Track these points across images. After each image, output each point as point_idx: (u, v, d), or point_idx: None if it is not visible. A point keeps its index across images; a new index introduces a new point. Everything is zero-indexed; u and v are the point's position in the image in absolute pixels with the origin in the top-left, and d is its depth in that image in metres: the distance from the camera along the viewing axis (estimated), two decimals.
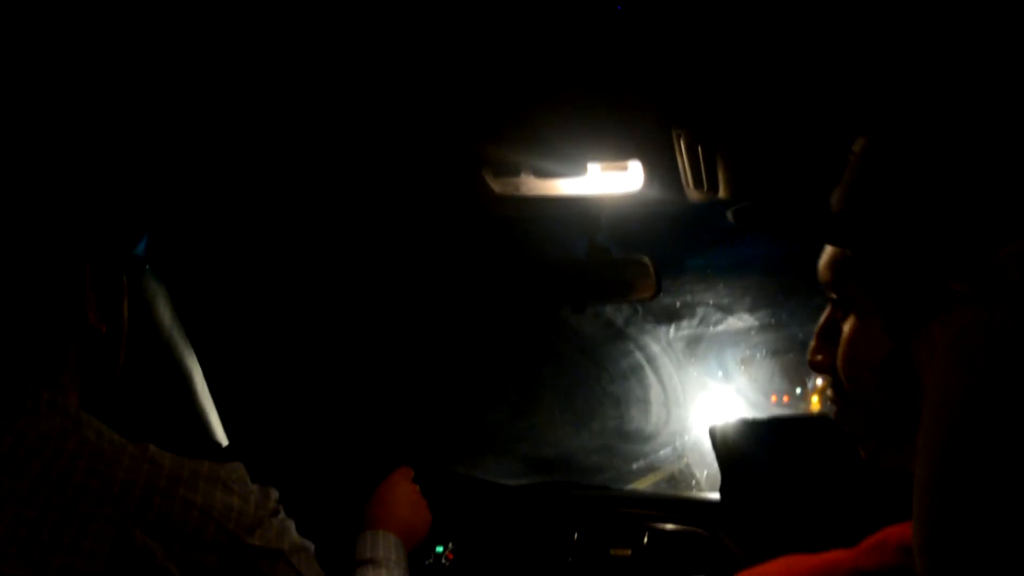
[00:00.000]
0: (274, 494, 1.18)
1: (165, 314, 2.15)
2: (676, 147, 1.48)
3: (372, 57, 1.30)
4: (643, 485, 6.16)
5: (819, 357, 0.90)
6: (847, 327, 0.85)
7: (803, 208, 0.87)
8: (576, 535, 2.13)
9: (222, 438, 2.32)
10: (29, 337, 1.13)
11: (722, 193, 1.64)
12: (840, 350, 0.86)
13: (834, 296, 0.88)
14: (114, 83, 1.36)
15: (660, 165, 1.56)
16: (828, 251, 0.88)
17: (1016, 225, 0.70)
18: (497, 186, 1.68)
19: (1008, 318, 0.50)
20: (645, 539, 2.07)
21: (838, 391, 0.88)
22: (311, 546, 1.21)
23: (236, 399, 2.37)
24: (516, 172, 1.62)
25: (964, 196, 0.74)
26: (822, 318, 0.90)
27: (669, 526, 2.09)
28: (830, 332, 0.88)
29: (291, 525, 1.19)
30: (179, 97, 1.42)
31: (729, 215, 0.88)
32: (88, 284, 1.17)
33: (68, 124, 1.45)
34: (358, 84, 1.39)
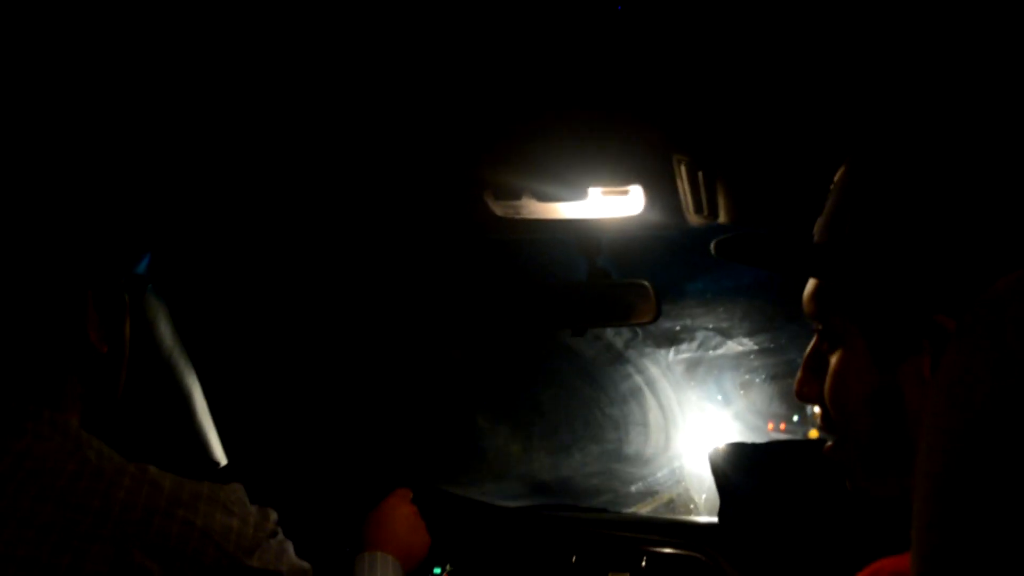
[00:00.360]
0: (273, 515, 1.19)
1: (166, 333, 2.15)
2: (677, 172, 1.49)
3: (375, 79, 1.31)
4: (642, 509, 6.14)
5: (806, 389, 0.89)
6: (833, 359, 0.84)
7: (785, 240, 0.87)
8: (574, 558, 2.12)
9: (221, 458, 2.32)
10: (31, 357, 1.13)
11: (722, 218, 1.65)
12: (827, 382, 0.85)
13: (820, 327, 0.88)
14: (113, 105, 1.37)
15: (661, 190, 1.57)
16: (812, 282, 0.87)
17: (1001, 255, 0.70)
18: (499, 209, 1.68)
19: (1005, 357, 0.50)
20: (643, 563, 2.07)
21: (827, 422, 0.87)
22: (309, 567, 1.21)
23: (236, 419, 2.37)
24: (518, 195, 1.62)
25: (947, 225, 0.73)
26: (808, 349, 0.90)
27: (667, 550, 2.09)
28: (817, 363, 0.87)
29: (289, 547, 1.19)
30: (181, 121, 1.43)
31: (712, 248, 0.88)
32: (90, 304, 1.17)
33: (69, 147, 1.46)
34: (361, 106, 1.39)
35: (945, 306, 0.71)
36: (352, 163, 1.60)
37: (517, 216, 1.71)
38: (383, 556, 1.55)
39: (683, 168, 1.46)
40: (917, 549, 0.54)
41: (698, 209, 1.61)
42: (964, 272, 0.71)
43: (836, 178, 0.86)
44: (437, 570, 2.13)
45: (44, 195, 1.21)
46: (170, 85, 1.32)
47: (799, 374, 0.90)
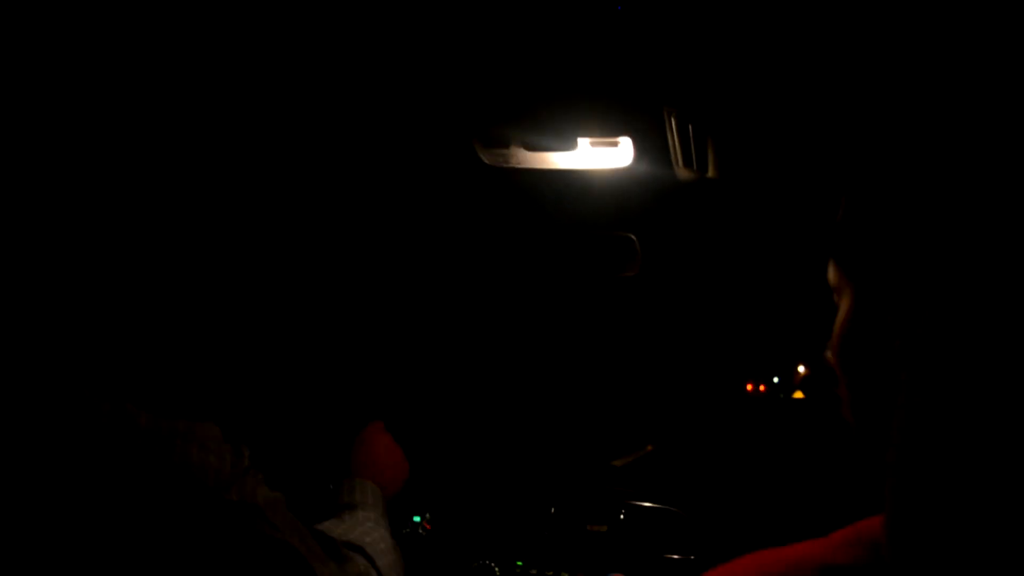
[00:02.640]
0: (247, 452, 1.19)
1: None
2: (667, 126, 1.48)
3: (364, 29, 1.29)
4: (621, 463, 6.20)
5: None
6: None
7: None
8: (553, 510, 2.14)
9: (201, 404, 2.31)
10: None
11: (711, 172, 1.64)
12: None
13: None
14: (106, 76, 1.35)
15: (650, 143, 1.56)
16: None
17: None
18: (487, 157, 1.68)
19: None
20: (621, 516, 2.08)
21: None
22: (281, 496, 1.22)
23: (218, 364, 2.37)
24: (506, 144, 1.62)
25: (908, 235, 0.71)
26: None
27: (645, 503, 2.10)
28: None
29: (262, 479, 1.20)
30: (165, 83, 1.41)
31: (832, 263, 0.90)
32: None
33: (60, 116, 1.44)
34: (348, 56, 1.38)
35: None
36: (338, 115, 1.59)
37: (506, 165, 1.70)
38: (361, 482, 1.58)
39: (673, 121, 1.46)
40: (889, 516, 0.54)
41: (687, 162, 1.61)
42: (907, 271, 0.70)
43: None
44: (416, 518, 2.14)
45: (34, 166, 1.19)
46: (159, 56, 1.31)
47: None
